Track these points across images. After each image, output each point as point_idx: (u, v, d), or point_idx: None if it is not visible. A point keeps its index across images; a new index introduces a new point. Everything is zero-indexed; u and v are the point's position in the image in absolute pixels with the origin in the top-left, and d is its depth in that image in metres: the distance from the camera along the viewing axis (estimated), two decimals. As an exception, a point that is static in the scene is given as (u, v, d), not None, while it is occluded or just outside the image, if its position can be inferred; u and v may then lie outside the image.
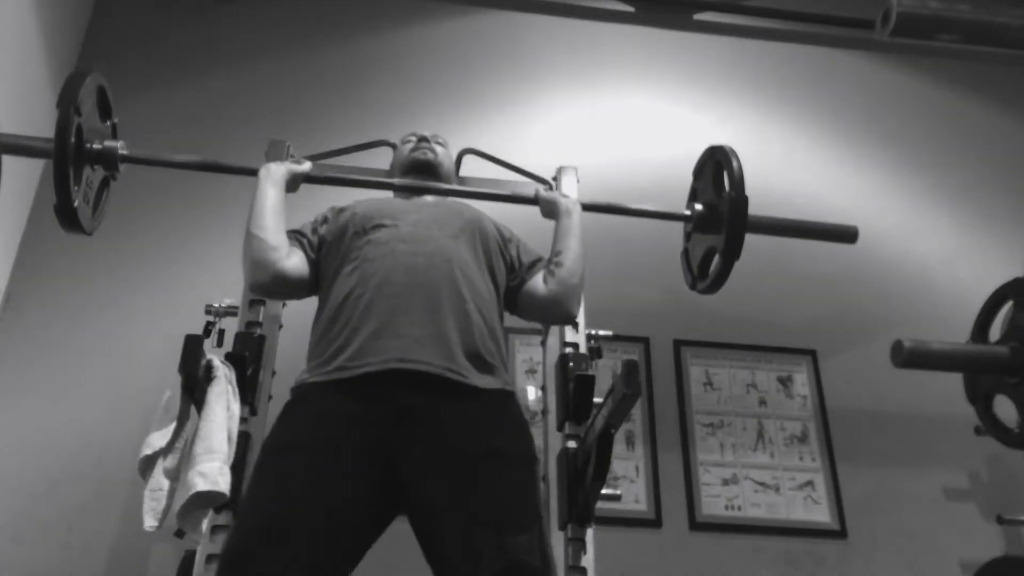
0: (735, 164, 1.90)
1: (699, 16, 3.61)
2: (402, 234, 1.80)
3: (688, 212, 2.07)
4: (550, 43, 3.45)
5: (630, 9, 3.59)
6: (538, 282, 1.87)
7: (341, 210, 1.92)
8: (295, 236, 1.86)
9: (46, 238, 2.73)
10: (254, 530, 1.42)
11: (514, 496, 1.52)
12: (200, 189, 2.89)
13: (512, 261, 1.91)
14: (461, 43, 3.38)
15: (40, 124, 2.87)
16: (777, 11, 3.63)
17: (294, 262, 1.80)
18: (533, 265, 1.92)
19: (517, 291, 1.88)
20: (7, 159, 2.28)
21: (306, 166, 2.00)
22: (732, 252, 1.91)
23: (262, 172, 1.91)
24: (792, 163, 3.31)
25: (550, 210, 2.03)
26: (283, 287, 1.80)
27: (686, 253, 2.17)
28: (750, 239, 3.04)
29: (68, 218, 1.77)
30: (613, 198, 2.98)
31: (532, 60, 3.36)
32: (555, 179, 2.38)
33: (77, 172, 1.78)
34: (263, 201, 1.84)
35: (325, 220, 1.91)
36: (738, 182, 1.90)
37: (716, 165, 2.01)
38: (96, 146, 1.86)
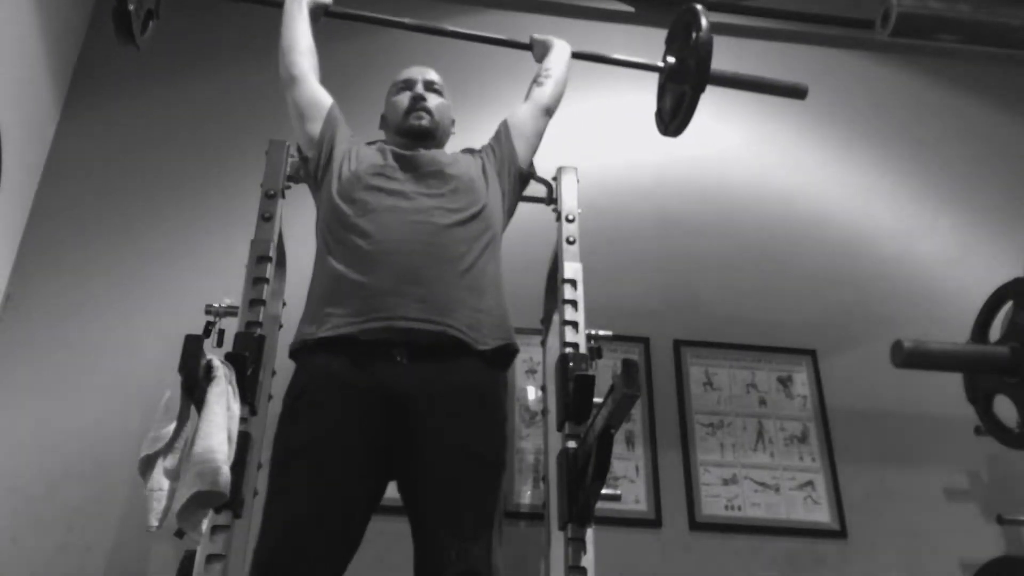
0: (703, 19, 2.17)
1: (699, 16, 3.61)
2: (404, 188, 1.87)
3: (661, 64, 2.36)
4: (550, 43, 3.44)
5: (630, 9, 3.59)
6: (520, 110, 2.17)
7: (347, 146, 2.00)
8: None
9: (46, 238, 2.74)
10: (286, 533, 1.54)
11: (480, 504, 1.61)
12: (201, 188, 2.90)
13: (495, 166, 2.05)
14: (461, 43, 3.37)
15: (41, 124, 2.87)
16: (777, 11, 3.63)
17: (320, 90, 2.06)
18: (497, 132, 2.14)
19: (512, 148, 2.09)
20: (7, 158, 2.28)
21: None
22: (700, 86, 2.17)
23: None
24: (792, 163, 3.31)
25: (543, 50, 2.34)
26: (300, 94, 2.03)
27: (659, 112, 2.42)
28: (751, 243, 3.08)
29: (123, 23, 1.99)
30: (613, 197, 3.01)
31: (532, 60, 3.35)
32: (555, 179, 2.38)
33: None
34: (291, 18, 2.14)
35: (338, 142, 2.01)
36: (705, 29, 2.16)
37: (686, 24, 2.25)
38: None
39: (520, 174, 2.09)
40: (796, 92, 2.39)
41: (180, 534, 1.59)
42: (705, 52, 2.15)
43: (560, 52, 2.31)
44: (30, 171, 2.79)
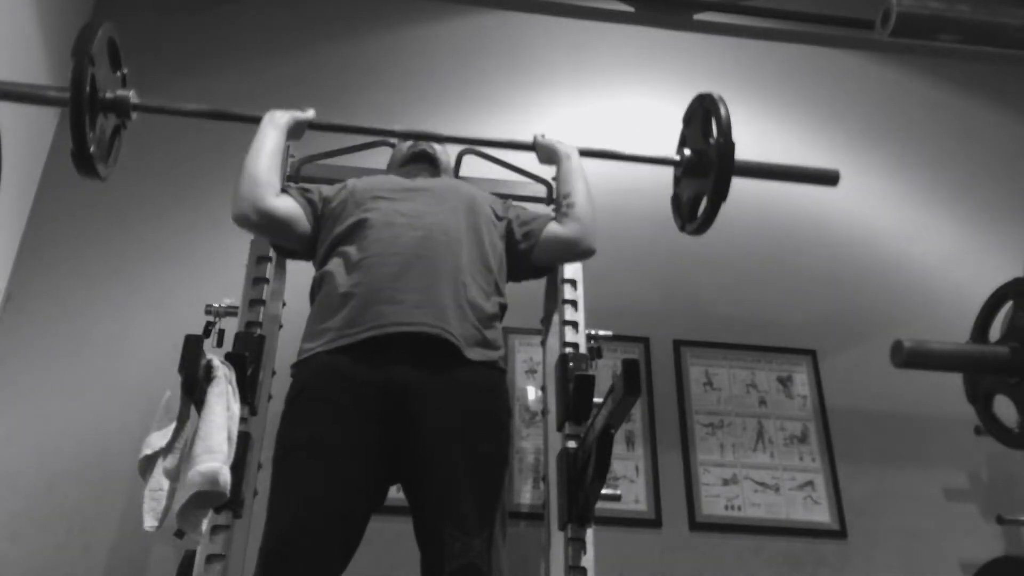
0: (723, 111, 1.98)
1: (699, 16, 3.61)
2: (401, 208, 1.85)
3: (678, 157, 2.14)
4: (550, 43, 3.45)
5: (630, 9, 3.59)
6: (554, 227, 1.96)
7: (341, 188, 1.96)
8: (298, 190, 1.93)
9: (46, 238, 2.74)
10: (287, 532, 1.54)
11: (480, 500, 1.60)
12: (200, 188, 2.89)
13: (511, 230, 1.97)
14: (461, 43, 3.38)
15: (41, 124, 2.87)
16: (777, 11, 3.63)
17: (284, 203, 1.86)
18: (537, 219, 1.99)
19: (531, 249, 1.95)
20: (7, 158, 2.28)
21: (310, 113, 2.04)
22: (719, 195, 1.98)
23: (266, 117, 1.97)
24: (791, 162, 3.30)
25: (548, 156, 2.13)
26: (268, 224, 1.85)
27: (676, 198, 2.23)
28: (751, 243, 3.08)
29: (84, 164, 1.85)
30: (613, 197, 3.01)
31: (532, 60, 3.36)
32: (555, 179, 2.38)
33: (92, 120, 1.84)
34: (261, 141, 1.90)
35: (327, 200, 1.95)
36: (725, 128, 1.97)
37: (705, 112, 2.08)
38: (109, 95, 1.94)
39: (531, 267, 2.00)
40: (827, 178, 2.22)
41: (180, 534, 1.59)
42: (727, 151, 1.95)
43: (572, 171, 2.05)
44: (30, 171, 2.79)
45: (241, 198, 1.82)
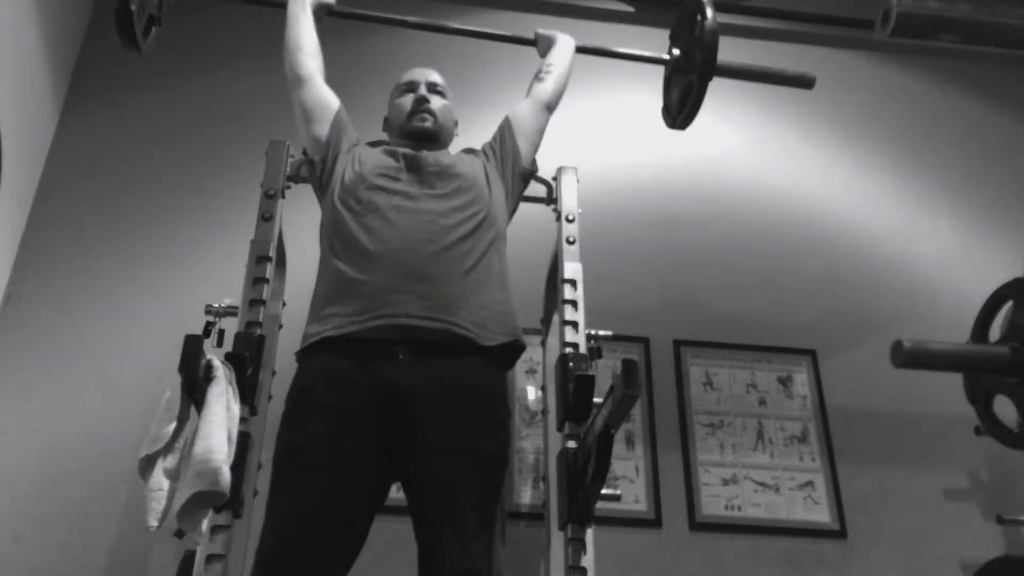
0: (708, 9, 2.16)
1: (699, 16, 3.61)
2: (409, 190, 1.88)
3: (667, 57, 2.36)
4: (550, 43, 3.44)
5: (630, 9, 3.59)
6: (525, 103, 2.17)
7: (354, 154, 2.00)
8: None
9: (46, 238, 2.74)
10: (287, 531, 1.55)
11: (482, 503, 1.61)
12: (201, 188, 2.90)
13: (498, 154, 2.08)
14: (461, 43, 3.38)
15: (41, 124, 2.87)
16: (777, 11, 3.63)
17: (327, 92, 2.07)
18: (501, 128, 2.14)
19: (516, 143, 2.10)
20: (7, 158, 2.28)
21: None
22: (708, 73, 2.15)
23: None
24: (792, 163, 3.31)
25: (547, 45, 2.35)
26: (302, 94, 2.06)
27: (665, 106, 2.41)
28: (752, 243, 3.08)
29: (125, 25, 1.97)
30: (613, 197, 3.01)
31: (532, 60, 3.35)
32: (555, 179, 2.39)
33: None
34: (295, 16, 2.16)
35: (343, 141, 2.02)
36: (711, 18, 2.15)
37: (691, 16, 2.25)
38: None
39: (523, 173, 2.10)
40: (803, 82, 2.36)
41: (180, 534, 1.59)
42: (712, 40, 2.14)
43: (563, 47, 2.31)
44: (30, 171, 2.79)
45: (286, 63, 2.10)
